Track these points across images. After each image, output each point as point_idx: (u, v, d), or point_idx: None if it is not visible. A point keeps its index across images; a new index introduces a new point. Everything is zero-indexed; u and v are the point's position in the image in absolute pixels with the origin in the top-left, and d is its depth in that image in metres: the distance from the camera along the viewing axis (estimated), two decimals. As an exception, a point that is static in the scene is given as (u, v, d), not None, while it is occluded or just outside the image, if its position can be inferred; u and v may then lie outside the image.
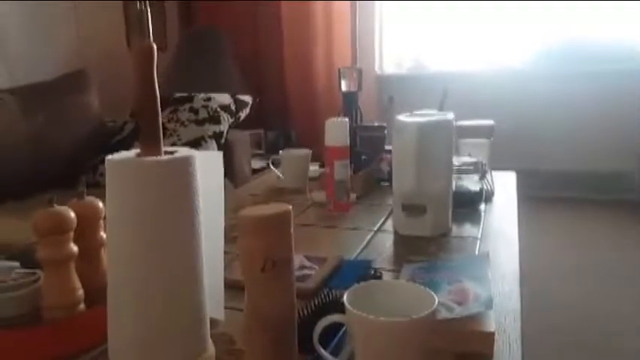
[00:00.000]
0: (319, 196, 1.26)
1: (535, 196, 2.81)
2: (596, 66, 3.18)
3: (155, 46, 0.50)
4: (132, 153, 0.52)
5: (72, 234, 0.66)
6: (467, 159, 1.19)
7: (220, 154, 0.60)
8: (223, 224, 0.63)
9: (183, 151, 0.53)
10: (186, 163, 0.51)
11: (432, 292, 0.52)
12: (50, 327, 0.66)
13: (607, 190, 3.18)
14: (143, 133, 0.50)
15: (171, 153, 0.52)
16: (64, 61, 2.48)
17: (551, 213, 2.97)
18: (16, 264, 0.72)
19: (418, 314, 0.48)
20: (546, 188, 3.20)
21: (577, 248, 2.54)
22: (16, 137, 1.99)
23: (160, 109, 0.50)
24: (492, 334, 0.60)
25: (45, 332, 0.65)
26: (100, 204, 0.72)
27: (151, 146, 0.51)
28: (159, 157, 0.51)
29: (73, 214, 0.66)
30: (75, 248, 0.67)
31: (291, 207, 0.53)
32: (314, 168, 1.46)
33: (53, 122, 2.11)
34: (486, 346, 0.60)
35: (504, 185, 1.38)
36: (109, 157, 0.51)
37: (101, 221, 0.72)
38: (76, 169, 2.15)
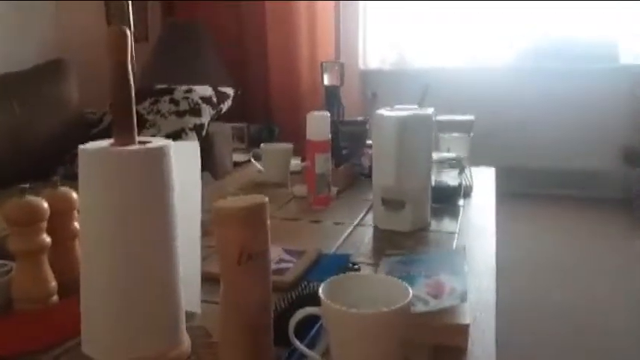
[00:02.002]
0: (300, 190, 1.25)
1: (515, 193, 2.84)
2: (577, 64, 3.22)
3: (129, 32, 0.49)
4: (105, 143, 0.51)
5: (44, 224, 0.65)
6: (446, 154, 1.20)
7: (197, 144, 0.60)
8: (200, 216, 0.62)
9: (157, 141, 0.52)
10: (161, 153, 0.51)
11: (407, 285, 0.52)
12: (22, 319, 0.65)
13: (588, 188, 3.23)
14: (116, 121, 0.49)
15: (146, 143, 0.51)
16: (44, 53, 2.43)
17: (530, 210, 3.00)
18: (-13, 255, 0.71)
19: (392, 306, 0.48)
20: (527, 185, 3.24)
21: (556, 245, 2.57)
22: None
23: (133, 96, 0.50)
24: (467, 326, 0.61)
25: (17, 324, 0.64)
26: (74, 194, 0.70)
27: (125, 136, 0.50)
28: (132, 147, 0.50)
29: (45, 205, 0.65)
30: (47, 239, 0.66)
31: (267, 199, 0.52)
32: (296, 162, 1.46)
33: (30, 112, 2.07)
34: (461, 338, 0.61)
35: (483, 181, 1.39)
36: (82, 146, 0.50)
37: (75, 212, 0.71)
38: (54, 161, 2.11)
